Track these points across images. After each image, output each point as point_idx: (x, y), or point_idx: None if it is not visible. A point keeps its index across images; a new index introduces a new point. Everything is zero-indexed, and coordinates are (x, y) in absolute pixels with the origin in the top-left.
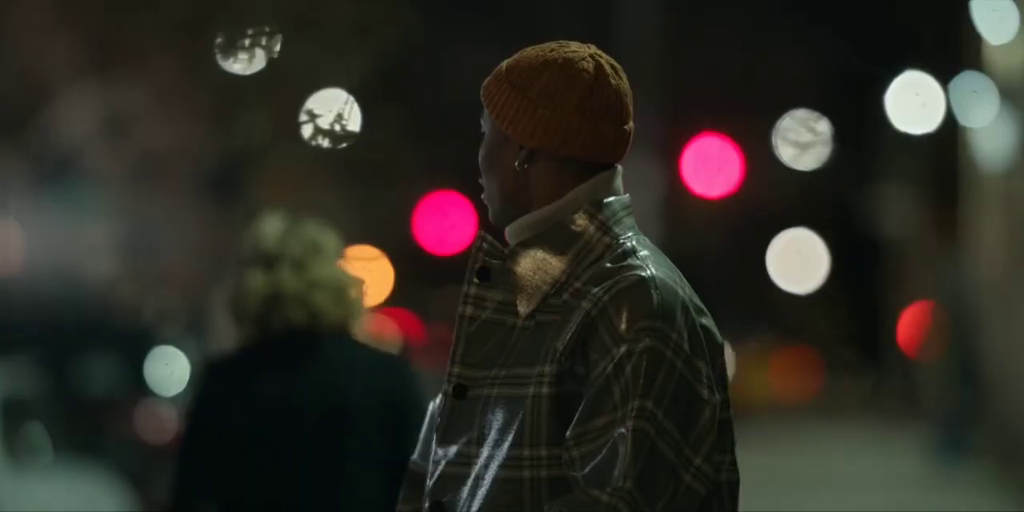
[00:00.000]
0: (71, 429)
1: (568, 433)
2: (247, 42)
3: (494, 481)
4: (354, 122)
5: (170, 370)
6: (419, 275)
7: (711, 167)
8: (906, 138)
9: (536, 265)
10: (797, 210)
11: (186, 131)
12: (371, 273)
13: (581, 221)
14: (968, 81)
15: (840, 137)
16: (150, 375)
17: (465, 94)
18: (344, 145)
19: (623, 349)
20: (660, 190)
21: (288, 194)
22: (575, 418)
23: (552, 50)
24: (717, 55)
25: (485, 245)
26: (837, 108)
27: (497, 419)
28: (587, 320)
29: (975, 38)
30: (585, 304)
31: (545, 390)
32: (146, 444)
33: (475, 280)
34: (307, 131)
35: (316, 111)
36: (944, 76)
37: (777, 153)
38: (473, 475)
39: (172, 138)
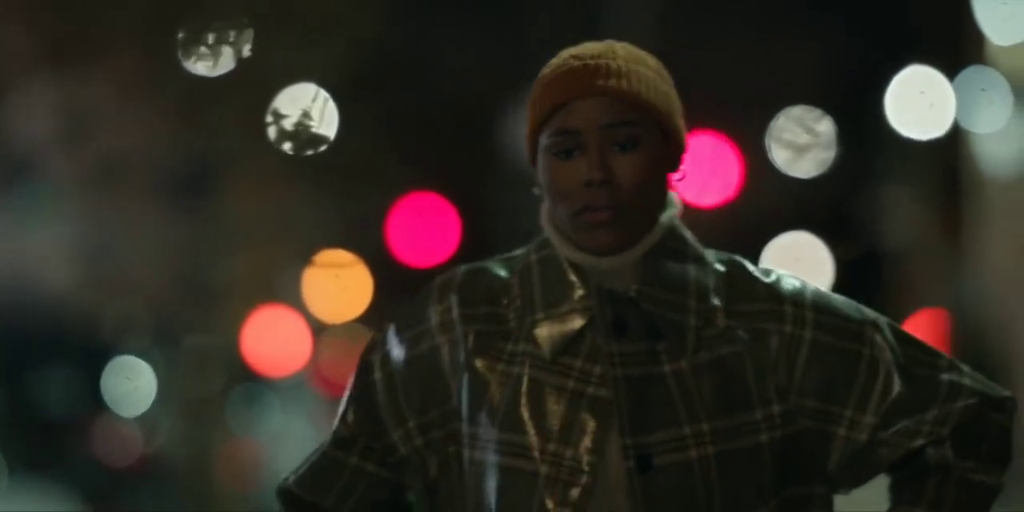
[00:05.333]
0: (29, 449)
1: (917, 426)
2: (212, 39)
3: None
4: (328, 124)
5: (133, 385)
6: (394, 286)
7: (704, 171)
8: (908, 140)
9: (669, 300)
10: (795, 216)
11: (150, 131)
12: (344, 281)
13: (679, 236)
14: (975, 78)
15: (842, 137)
16: (109, 391)
17: (454, 86)
18: (314, 151)
19: (877, 339)
20: None
21: (257, 195)
22: (906, 420)
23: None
24: (712, 47)
25: (602, 291)
26: (837, 105)
27: (726, 482)
28: (796, 343)
29: (979, 31)
30: (788, 328)
31: (778, 434)
32: (108, 467)
33: (614, 335)
34: (273, 133)
35: (283, 111)
36: (948, 72)
37: (771, 157)
38: None
39: (135, 138)
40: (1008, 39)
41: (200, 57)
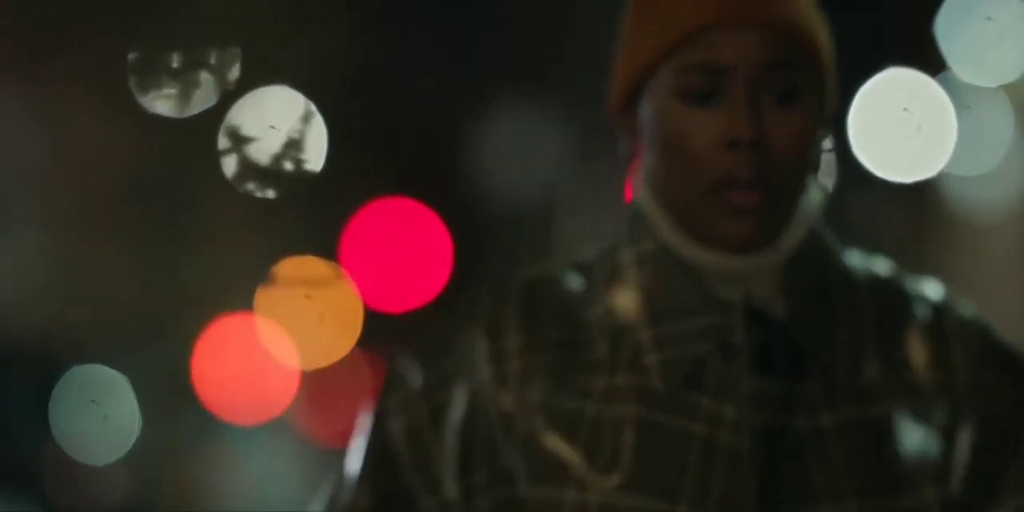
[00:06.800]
0: None
1: None
2: (179, 64)
3: None
4: (316, 153)
5: (103, 413)
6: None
7: None
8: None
9: (821, 329)
10: None
11: (109, 136)
12: (323, 302)
13: (823, 232)
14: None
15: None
16: (61, 419)
17: (432, 89)
18: (292, 190)
19: None
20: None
21: (224, 205)
22: None
23: None
24: None
25: (750, 307)
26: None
27: None
28: (961, 411)
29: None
30: (957, 389)
31: None
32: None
33: (752, 368)
34: (230, 167)
35: (244, 132)
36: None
37: None
38: None
39: (93, 144)
40: (994, 80)
41: (160, 94)
